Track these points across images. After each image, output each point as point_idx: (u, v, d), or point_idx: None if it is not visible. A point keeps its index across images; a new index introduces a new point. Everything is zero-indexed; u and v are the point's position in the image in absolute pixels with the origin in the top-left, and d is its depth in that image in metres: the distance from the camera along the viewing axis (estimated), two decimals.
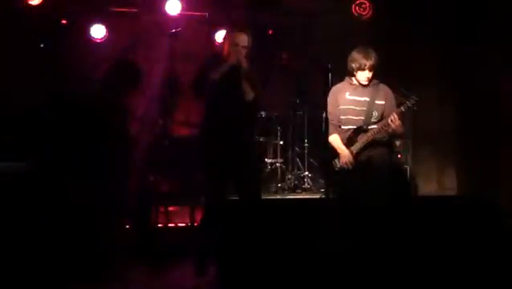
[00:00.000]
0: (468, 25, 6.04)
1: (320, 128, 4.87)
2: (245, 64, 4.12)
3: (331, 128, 4.66)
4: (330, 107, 4.56)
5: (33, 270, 4.11)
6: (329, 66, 4.09)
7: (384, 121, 4.48)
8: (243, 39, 4.29)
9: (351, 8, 6.30)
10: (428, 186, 6.46)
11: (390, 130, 4.47)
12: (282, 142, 7.09)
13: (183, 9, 6.39)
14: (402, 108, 4.42)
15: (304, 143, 7.19)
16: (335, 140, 4.65)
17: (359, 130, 4.57)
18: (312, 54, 6.39)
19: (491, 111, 5.89)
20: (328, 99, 4.49)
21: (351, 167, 4.54)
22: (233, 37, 4.33)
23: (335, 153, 4.66)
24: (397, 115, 4.39)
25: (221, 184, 4.18)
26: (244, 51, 4.21)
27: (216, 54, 4.51)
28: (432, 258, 3.69)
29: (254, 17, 6.58)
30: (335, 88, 4.66)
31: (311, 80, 6.69)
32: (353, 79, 4.64)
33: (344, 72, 4.64)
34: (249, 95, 4.14)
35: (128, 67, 4.68)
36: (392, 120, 4.40)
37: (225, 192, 4.20)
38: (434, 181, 6.53)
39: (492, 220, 3.80)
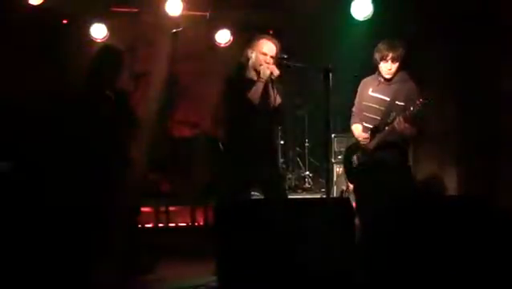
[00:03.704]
0: (468, 25, 6.03)
1: (321, 128, 4.89)
2: (276, 73, 4.09)
3: (355, 118, 4.76)
4: (356, 99, 4.73)
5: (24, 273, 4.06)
6: (329, 66, 4.09)
7: (391, 125, 4.47)
8: (271, 48, 4.17)
9: (350, 8, 6.29)
10: (428, 186, 6.46)
11: (397, 133, 4.47)
12: (282, 142, 7.11)
13: (183, 9, 6.40)
14: (407, 113, 4.41)
15: (305, 143, 7.21)
16: (356, 128, 4.72)
17: (377, 129, 4.57)
18: (312, 55, 6.39)
19: (491, 111, 5.89)
20: (358, 90, 4.68)
21: (367, 141, 4.58)
22: (260, 45, 4.20)
23: (351, 150, 4.70)
24: (403, 118, 4.38)
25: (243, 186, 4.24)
26: (272, 61, 4.11)
27: (240, 66, 4.30)
28: (432, 257, 3.69)
29: (254, 17, 6.58)
30: (362, 82, 4.74)
31: (311, 80, 6.70)
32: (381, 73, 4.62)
33: (344, 72, 4.65)
34: (277, 101, 4.14)
35: (110, 51, 4.56)
36: (397, 124, 4.39)
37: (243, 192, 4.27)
38: (434, 181, 6.53)
39: (492, 220, 3.80)
